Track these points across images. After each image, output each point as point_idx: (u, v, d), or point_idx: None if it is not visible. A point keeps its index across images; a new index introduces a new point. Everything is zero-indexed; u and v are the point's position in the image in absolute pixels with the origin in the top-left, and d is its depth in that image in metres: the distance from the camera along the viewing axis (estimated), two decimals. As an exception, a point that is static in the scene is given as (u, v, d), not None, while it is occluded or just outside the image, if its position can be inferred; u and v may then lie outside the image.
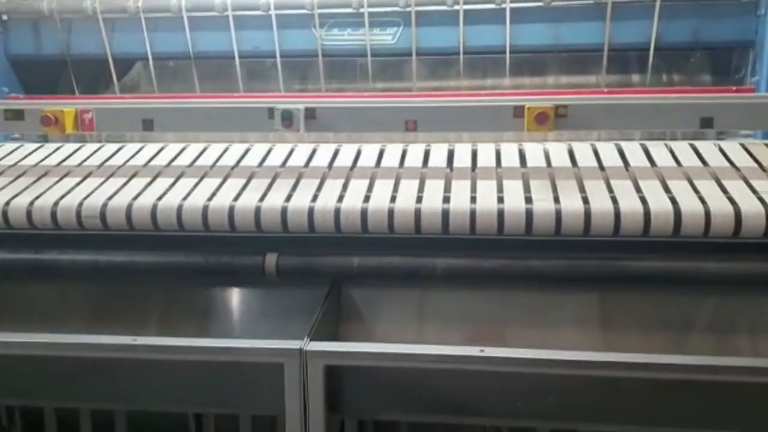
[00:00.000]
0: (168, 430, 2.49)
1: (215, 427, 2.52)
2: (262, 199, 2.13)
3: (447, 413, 1.95)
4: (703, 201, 1.96)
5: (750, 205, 1.94)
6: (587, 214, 1.96)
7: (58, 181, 2.33)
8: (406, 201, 2.07)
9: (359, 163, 2.35)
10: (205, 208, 2.10)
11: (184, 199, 2.15)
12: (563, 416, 1.90)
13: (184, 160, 2.46)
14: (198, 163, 2.43)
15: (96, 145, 2.65)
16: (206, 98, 2.92)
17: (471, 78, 3.41)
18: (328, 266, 2.14)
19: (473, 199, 2.07)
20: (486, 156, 2.37)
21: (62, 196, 2.21)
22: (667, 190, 2.04)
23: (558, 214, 1.98)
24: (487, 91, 3.15)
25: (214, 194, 2.17)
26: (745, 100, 2.15)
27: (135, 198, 2.17)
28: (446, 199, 2.08)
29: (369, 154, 2.41)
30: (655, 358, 1.78)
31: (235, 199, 2.13)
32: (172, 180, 2.29)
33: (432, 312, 2.28)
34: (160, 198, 2.16)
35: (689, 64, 3.20)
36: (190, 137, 2.78)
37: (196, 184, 2.25)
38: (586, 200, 2.01)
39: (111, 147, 2.61)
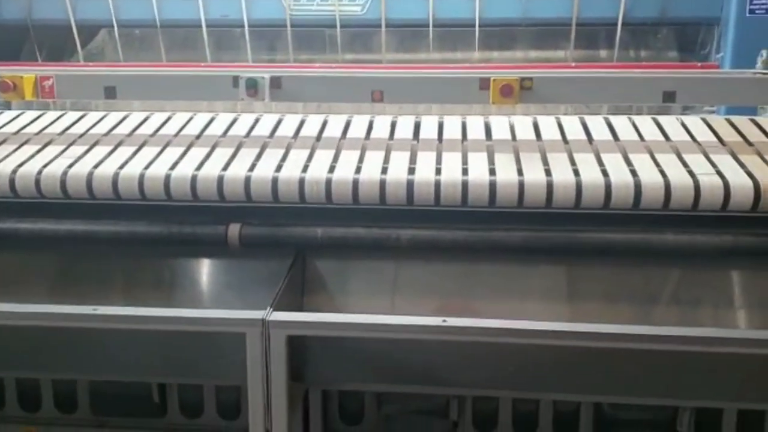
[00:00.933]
0: (131, 400, 2.48)
1: (179, 397, 2.52)
2: (225, 168, 2.11)
3: (410, 383, 1.97)
4: (663, 174, 1.99)
5: (709, 179, 1.97)
6: (549, 186, 1.98)
7: (17, 149, 2.28)
8: (371, 172, 2.07)
9: (325, 134, 2.33)
10: (168, 177, 2.08)
11: (146, 167, 2.13)
12: (525, 385, 1.93)
13: (147, 128, 2.43)
14: (161, 132, 2.40)
15: (58, 113, 2.60)
16: (171, 66, 2.88)
17: (441, 51, 3.41)
18: (292, 237, 2.13)
19: (438, 171, 2.07)
20: (452, 128, 2.37)
21: (21, 164, 2.17)
22: (628, 163, 2.06)
23: (521, 185, 1.99)
24: (455, 64, 3.16)
25: (176, 163, 2.15)
26: (707, 76, 2.17)
27: (96, 166, 2.14)
28: (411, 171, 2.08)
29: (335, 124, 2.39)
30: (614, 328, 1.81)
31: (198, 168, 2.11)
32: (134, 149, 2.25)
33: (397, 283, 2.28)
34: (122, 167, 2.14)
35: (656, 40, 3.24)
36: (156, 106, 2.74)
37: (159, 153, 2.22)
38: (548, 172, 2.02)
39: (73, 115, 2.56)
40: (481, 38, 3.29)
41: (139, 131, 2.41)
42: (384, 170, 2.08)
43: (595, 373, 1.85)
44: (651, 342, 1.79)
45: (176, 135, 2.36)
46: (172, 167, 2.12)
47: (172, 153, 2.22)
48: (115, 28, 3.21)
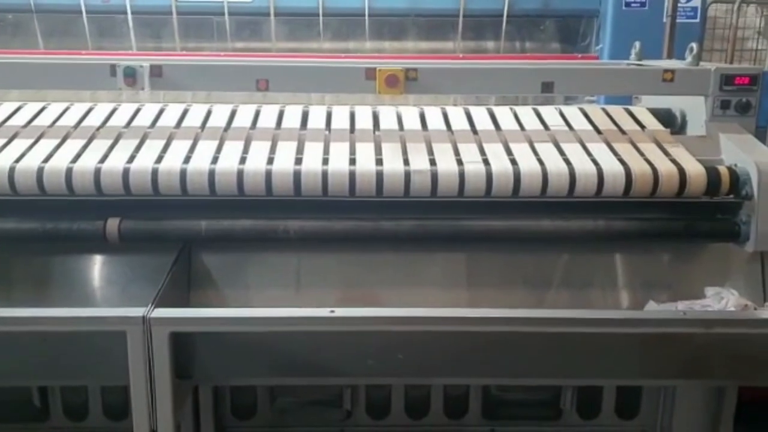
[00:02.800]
0: (9, 405, 2.36)
1: (62, 400, 2.42)
2: (102, 160, 2.02)
3: (302, 375, 1.96)
4: (541, 163, 2.05)
5: (584, 166, 2.05)
6: (434, 175, 2.00)
7: None
8: (256, 162, 2.03)
9: (209, 124, 2.27)
10: (41, 170, 1.98)
11: (17, 160, 2.01)
12: (415, 372, 1.95)
13: (19, 119, 2.29)
14: (35, 122, 2.27)
15: None
16: (44, 54, 2.73)
17: (332, 40, 3.40)
18: (175, 231, 2.07)
19: (325, 161, 2.06)
20: (340, 118, 2.36)
21: None
22: (509, 152, 2.11)
23: (407, 175, 2.01)
24: (347, 54, 3.15)
25: (51, 155, 2.04)
26: (582, 67, 2.25)
27: (-40, 160, 2.00)
28: (298, 161, 2.05)
29: (220, 114, 2.33)
30: (497, 312, 1.86)
31: (74, 160, 2.02)
32: (4, 140, 2.13)
33: (287, 275, 2.26)
34: (-11, 160, 2.01)
35: (540, 32, 3.34)
36: (37, 96, 2.58)
37: (32, 145, 2.10)
38: (433, 162, 2.05)
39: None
40: (372, 28, 3.29)
41: (10, 122, 2.28)
42: (270, 160, 2.05)
43: (481, 356, 1.90)
44: (532, 325, 1.85)
45: (51, 126, 2.24)
46: (46, 160, 2.02)
47: (46, 145, 2.11)
48: (-15, 13, 3.01)
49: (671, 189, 2.06)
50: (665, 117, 2.41)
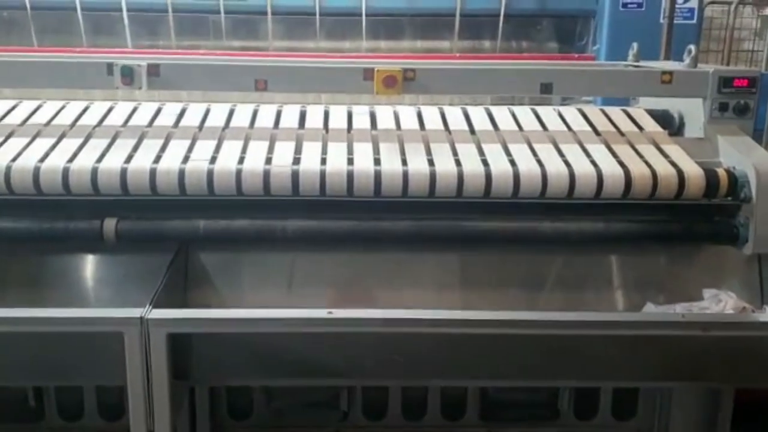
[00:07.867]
0: (4, 405, 2.35)
1: (57, 400, 2.41)
2: (100, 159, 2.01)
3: (299, 376, 1.95)
4: (540, 164, 2.04)
5: (583, 168, 2.04)
6: (432, 176, 2.00)
7: None
8: (254, 162, 2.02)
9: (207, 123, 2.26)
10: (37, 170, 1.96)
11: (14, 159, 2.00)
12: (413, 374, 1.95)
13: (15, 118, 2.28)
14: (31, 121, 2.25)
15: None
16: (40, 51, 2.71)
17: (329, 40, 3.39)
18: (173, 231, 2.06)
19: (323, 161, 2.05)
20: (338, 118, 2.35)
21: None
22: (507, 153, 2.11)
23: (405, 176, 2.00)
24: (343, 53, 3.15)
25: (47, 154, 2.03)
26: (582, 67, 2.25)
27: (-45, 159, 1.99)
28: (297, 161, 2.05)
29: (218, 113, 2.32)
30: (497, 314, 1.86)
31: (71, 159, 2.00)
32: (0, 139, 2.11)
33: (286, 275, 2.25)
34: (-15, 159, 1.99)
35: (537, 32, 3.34)
36: (29, 94, 2.56)
37: (28, 144, 2.09)
38: (431, 163, 2.04)
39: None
40: (368, 28, 3.29)
41: (6, 120, 2.26)
42: (268, 160, 2.04)
43: (478, 358, 1.89)
44: (530, 327, 1.85)
45: (47, 124, 2.23)
46: (42, 159, 2.00)
47: (43, 144, 2.09)
48: (-20, 10, 3.00)
49: (670, 191, 2.06)
50: (663, 118, 2.41)
